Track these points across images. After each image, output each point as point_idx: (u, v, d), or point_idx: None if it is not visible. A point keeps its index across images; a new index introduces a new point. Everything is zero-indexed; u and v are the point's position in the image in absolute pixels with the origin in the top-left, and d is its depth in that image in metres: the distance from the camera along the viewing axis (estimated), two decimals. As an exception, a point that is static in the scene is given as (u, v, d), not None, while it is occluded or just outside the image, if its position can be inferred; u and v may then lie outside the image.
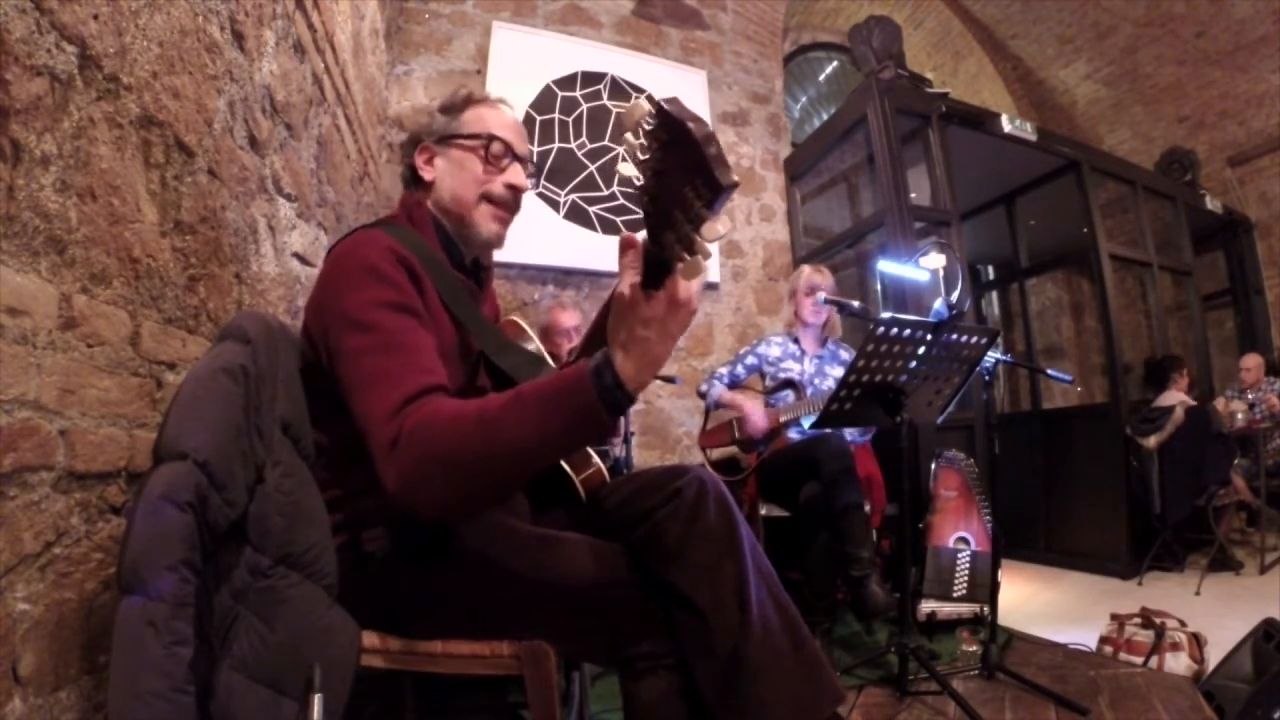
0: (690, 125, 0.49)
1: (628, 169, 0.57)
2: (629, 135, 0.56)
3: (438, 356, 0.82)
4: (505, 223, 1.03)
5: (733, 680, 0.78)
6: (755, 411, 2.36)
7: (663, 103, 0.51)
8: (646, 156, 0.54)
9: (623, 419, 2.43)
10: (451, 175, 1.00)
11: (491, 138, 0.99)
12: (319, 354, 0.86)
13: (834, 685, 0.83)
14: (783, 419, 2.35)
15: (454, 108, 1.03)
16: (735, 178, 0.50)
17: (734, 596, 0.81)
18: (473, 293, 1.01)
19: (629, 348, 0.65)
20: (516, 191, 1.01)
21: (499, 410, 0.69)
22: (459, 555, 0.87)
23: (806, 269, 2.55)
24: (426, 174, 1.02)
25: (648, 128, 0.53)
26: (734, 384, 2.58)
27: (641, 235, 0.63)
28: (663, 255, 0.58)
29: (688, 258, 0.56)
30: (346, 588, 0.86)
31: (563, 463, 0.98)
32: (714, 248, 3.32)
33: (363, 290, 0.82)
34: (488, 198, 0.99)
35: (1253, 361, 4.21)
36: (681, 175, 0.51)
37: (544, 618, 0.85)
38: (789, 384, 2.42)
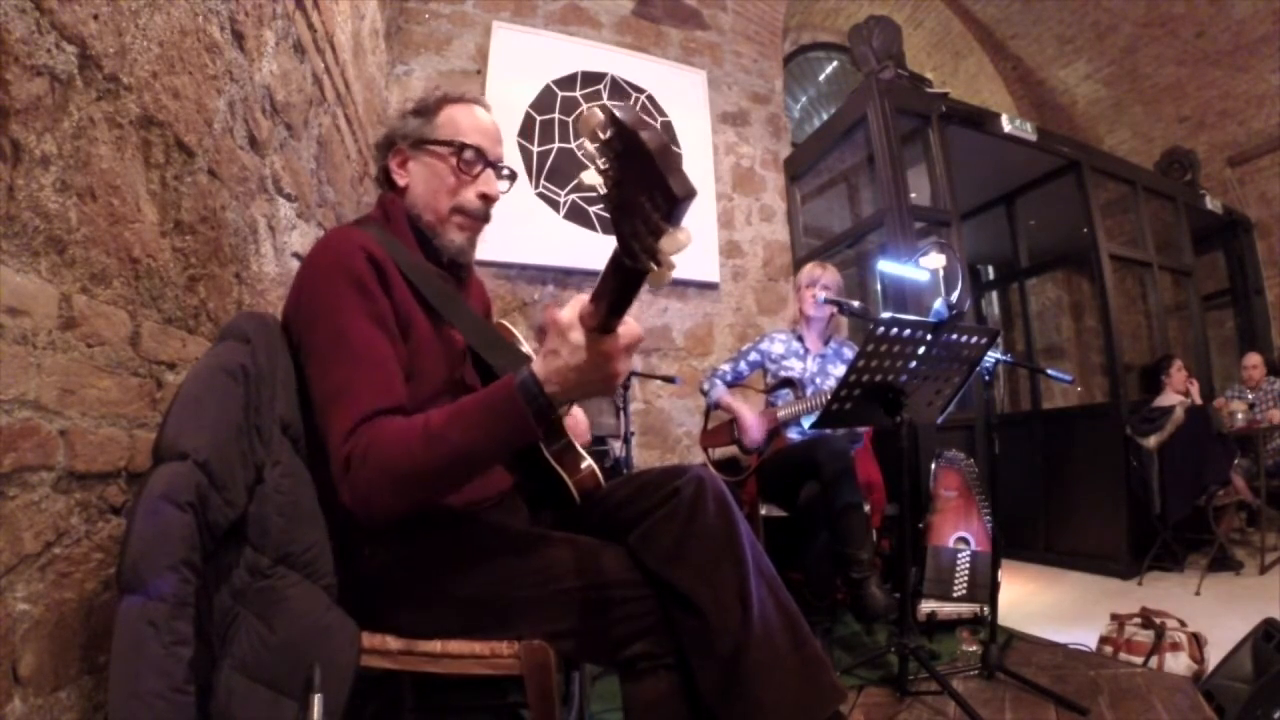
0: (643, 135, 0.48)
1: (590, 177, 0.56)
2: (586, 143, 0.55)
3: (399, 373, 0.84)
4: (475, 232, 1.04)
5: (734, 680, 0.78)
6: (751, 421, 2.35)
7: (615, 110, 0.50)
8: (605, 166, 0.53)
9: (623, 420, 2.43)
10: (424, 182, 1.00)
11: (463, 145, 0.99)
12: (296, 351, 0.88)
13: (835, 684, 0.83)
14: (781, 416, 2.35)
15: (427, 110, 1.03)
16: (693, 187, 0.48)
17: (734, 596, 0.81)
18: (447, 281, 1.01)
19: (549, 359, 0.73)
20: (488, 201, 1.02)
21: (442, 426, 0.76)
22: (459, 556, 0.88)
23: (809, 264, 2.56)
24: (400, 178, 1.02)
25: (603, 137, 0.52)
26: (737, 380, 2.58)
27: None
28: (633, 266, 0.57)
29: (655, 268, 0.56)
30: (347, 588, 0.87)
31: (556, 466, 0.99)
32: (712, 240, 3.30)
33: (335, 295, 0.84)
34: (459, 209, 1.00)
35: (1256, 360, 4.21)
36: (639, 186, 0.50)
37: (543, 618, 0.85)
38: (788, 383, 2.42)
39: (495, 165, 1.03)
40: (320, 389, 0.83)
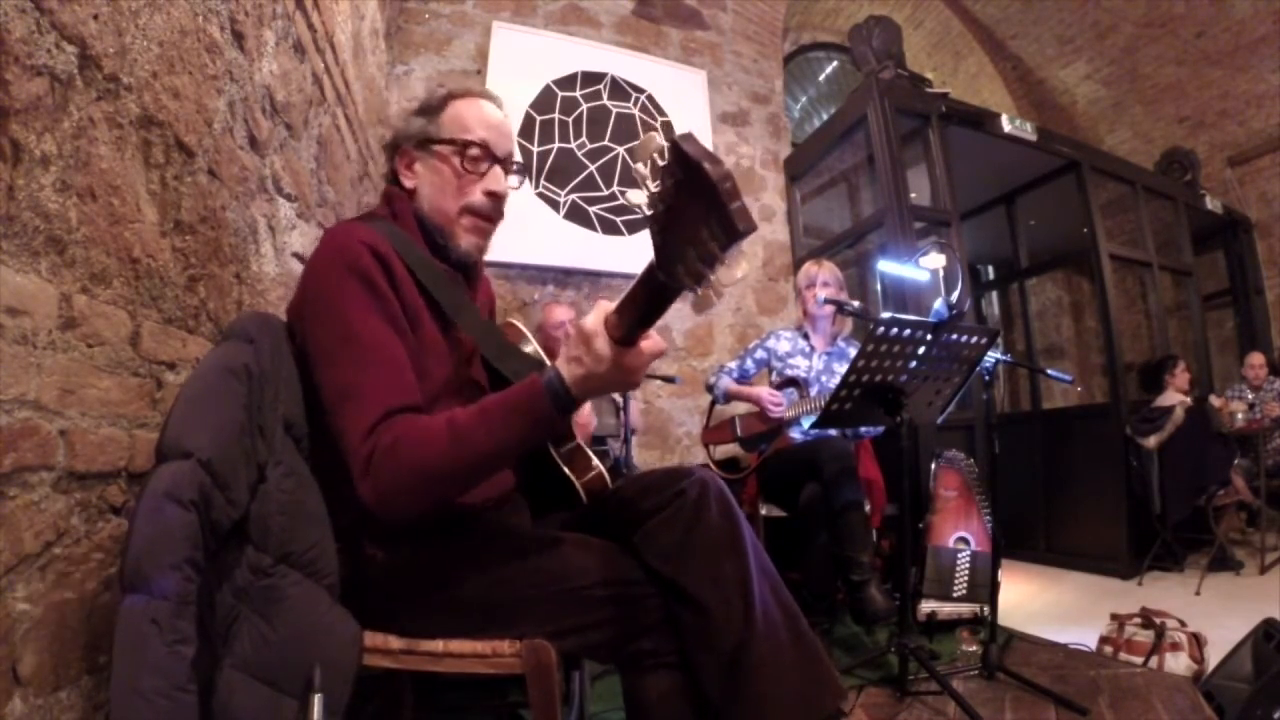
0: (707, 167, 0.48)
1: (637, 197, 0.58)
2: (639, 166, 0.56)
3: (411, 371, 0.84)
4: (486, 234, 1.01)
5: (736, 676, 0.78)
6: (768, 396, 2.34)
7: (678, 140, 0.50)
8: (658, 189, 0.54)
9: (624, 419, 2.43)
10: (431, 184, 0.98)
11: (467, 143, 0.96)
12: (300, 351, 0.88)
13: (836, 681, 0.84)
14: (786, 415, 2.35)
15: (431, 108, 1.00)
16: (753, 223, 0.49)
17: (737, 592, 0.81)
18: (459, 285, 1.00)
19: (573, 364, 0.73)
20: (497, 198, 0.99)
21: (467, 424, 0.76)
22: (461, 556, 0.88)
23: (807, 264, 2.58)
24: (408, 180, 1.00)
25: (660, 162, 0.53)
26: (743, 378, 2.58)
27: (648, 262, 0.63)
28: (671, 285, 0.58)
29: (698, 291, 0.57)
30: (349, 587, 0.87)
31: (565, 468, 0.99)
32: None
33: (344, 292, 0.83)
34: (468, 210, 0.97)
35: (1260, 359, 4.22)
36: (696, 214, 0.51)
37: (545, 617, 0.85)
38: (792, 382, 2.42)
39: (503, 162, 0.99)
40: (332, 389, 0.82)
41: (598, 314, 0.71)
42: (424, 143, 0.98)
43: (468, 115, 0.98)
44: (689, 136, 0.50)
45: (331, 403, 0.82)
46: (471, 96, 1.01)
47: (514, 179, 1.02)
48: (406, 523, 0.81)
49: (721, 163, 0.49)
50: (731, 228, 0.49)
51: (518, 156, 1.04)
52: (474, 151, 0.97)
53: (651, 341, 0.72)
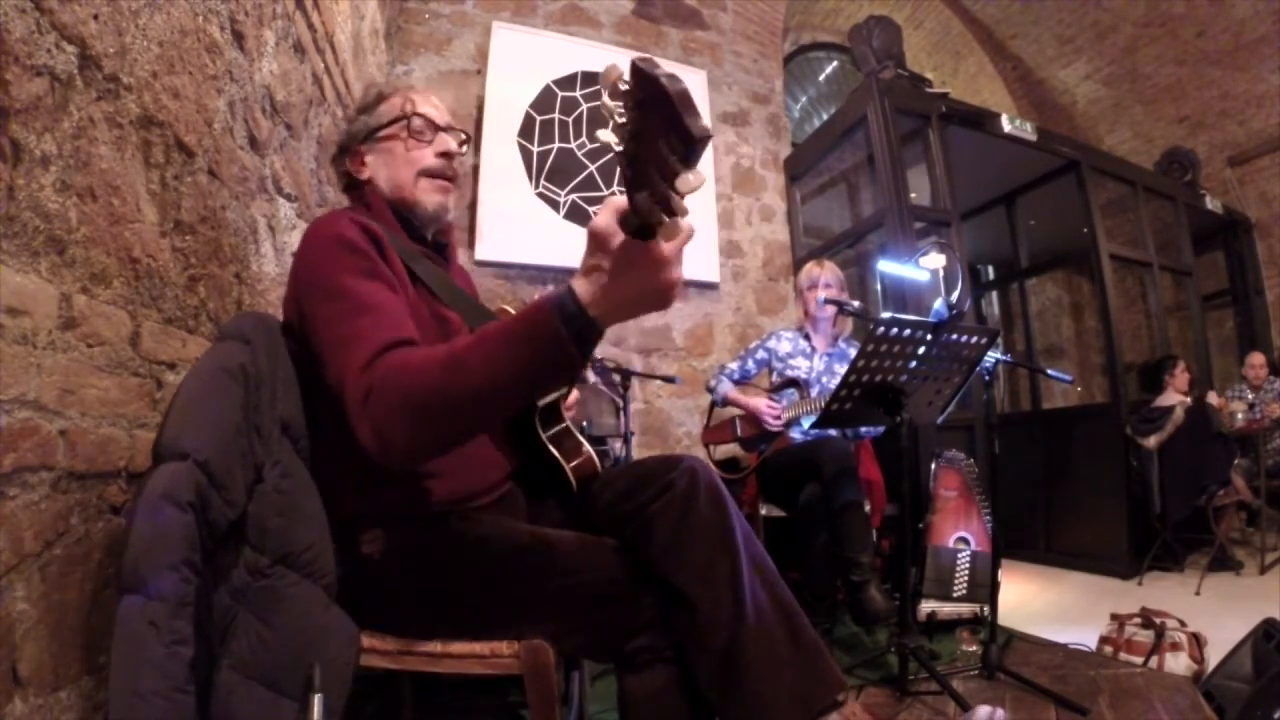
0: (663, 80, 0.48)
1: (606, 135, 0.56)
2: (606, 99, 0.55)
3: (407, 316, 0.84)
4: (447, 191, 1.05)
5: (729, 674, 0.78)
6: (765, 405, 2.34)
7: (636, 61, 0.50)
8: (623, 120, 0.53)
9: (623, 420, 2.43)
10: (385, 165, 1.03)
11: (409, 117, 1.01)
12: (298, 334, 0.88)
13: (832, 673, 0.83)
14: (785, 416, 2.35)
15: (369, 106, 1.05)
16: (708, 129, 0.49)
17: (728, 591, 0.81)
18: (436, 263, 1.03)
19: (591, 275, 0.65)
20: (449, 158, 1.03)
21: (465, 350, 0.70)
22: (458, 556, 0.88)
23: (808, 264, 2.58)
24: (363, 174, 1.04)
25: (623, 89, 0.52)
26: (744, 379, 2.58)
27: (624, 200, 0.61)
28: (643, 221, 0.57)
29: (666, 220, 0.56)
30: (345, 588, 0.87)
31: (554, 451, 0.99)
32: (712, 240, 3.30)
33: (332, 260, 0.85)
34: (424, 173, 1.02)
35: (1260, 359, 4.23)
36: (657, 133, 0.50)
37: (541, 615, 0.85)
38: (793, 383, 2.42)
39: (446, 129, 1.05)
40: (330, 345, 0.80)
41: (609, 212, 0.63)
42: (369, 136, 1.03)
43: (403, 100, 1.04)
44: (647, 58, 0.50)
45: (329, 354, 0.79)
46: (403, 90, 1.06)
47: (461, 146, 1.07)
48: (405, 462, 0.77)
49: (679, 79, 0.49)
50: (687, 133, 0.48)
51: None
52: (417, 123, 1.02)
53: (677, 239, 0.62)
